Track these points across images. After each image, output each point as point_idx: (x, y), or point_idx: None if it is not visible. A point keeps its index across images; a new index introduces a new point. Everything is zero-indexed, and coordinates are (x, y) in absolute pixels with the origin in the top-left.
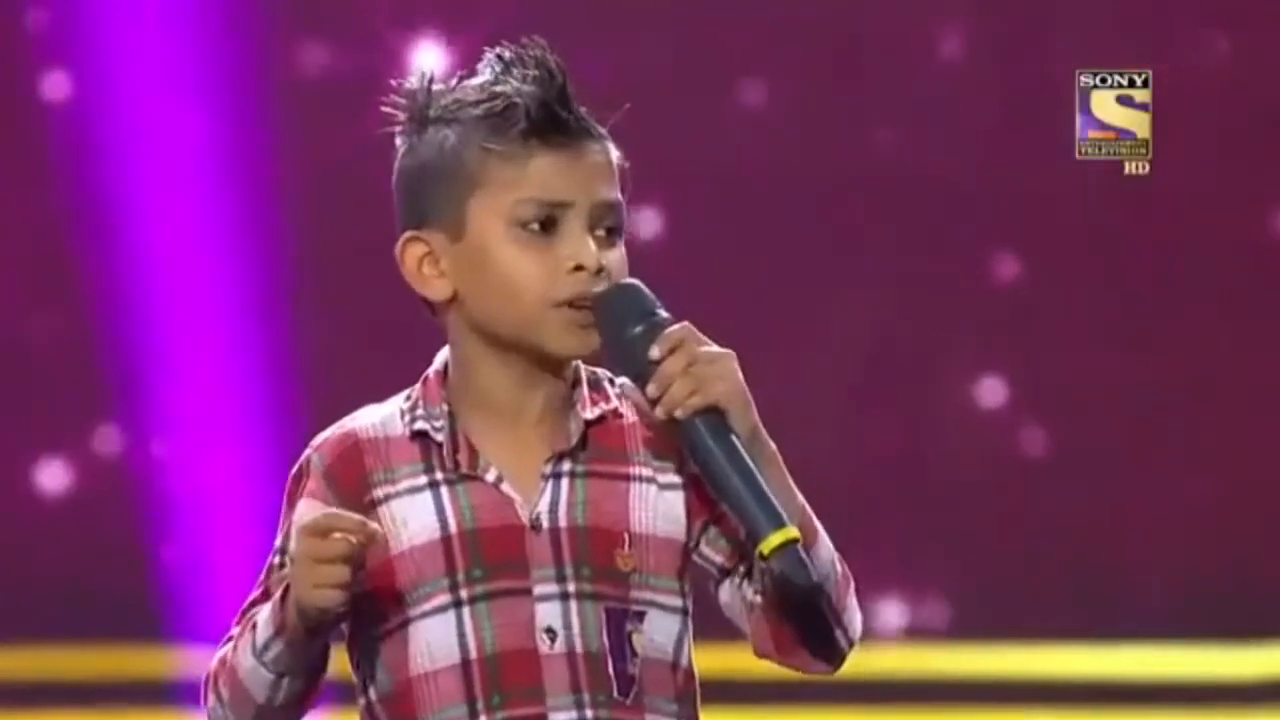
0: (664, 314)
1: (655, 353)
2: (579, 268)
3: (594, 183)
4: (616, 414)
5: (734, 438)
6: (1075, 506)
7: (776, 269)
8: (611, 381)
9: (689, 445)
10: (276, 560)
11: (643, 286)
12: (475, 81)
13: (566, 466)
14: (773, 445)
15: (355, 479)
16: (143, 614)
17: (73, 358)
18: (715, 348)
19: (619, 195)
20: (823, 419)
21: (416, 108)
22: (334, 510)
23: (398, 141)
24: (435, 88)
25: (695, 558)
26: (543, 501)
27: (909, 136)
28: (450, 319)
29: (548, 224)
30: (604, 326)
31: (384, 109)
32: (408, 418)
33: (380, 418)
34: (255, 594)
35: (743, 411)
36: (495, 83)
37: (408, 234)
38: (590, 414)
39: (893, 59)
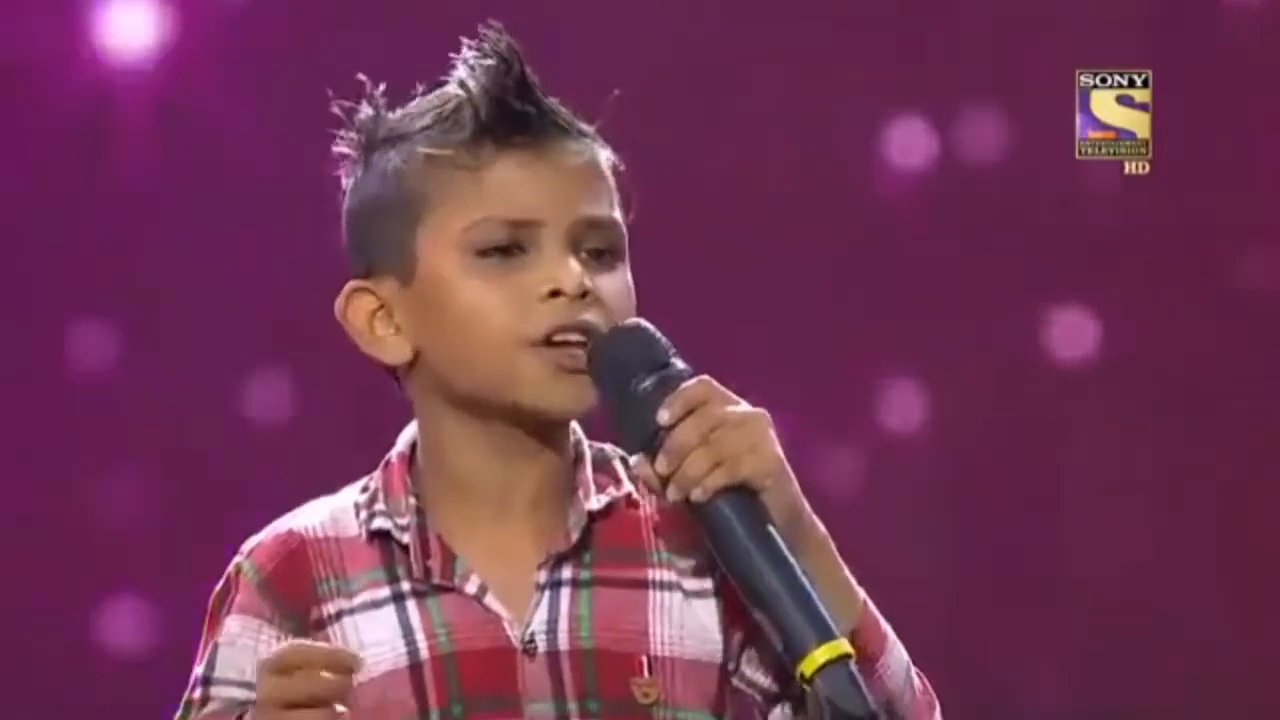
0: (679, 365)
1: (665, 416)
2: (556, 292)
3: (571, 194)
4: (630, 501)
5: (768, 525)
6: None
7: (772, 270)
8: (624, 460)
9: (710, 535)
10: (198, 695)
11: (651, 328)
12: (435, 92)
13: (567, 573)
14: (822, 529)
15: (300, 590)
16: None
17: None
18: (744, 406)
19: (607, 210)
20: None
21: (364, 135)
22: (301, 642)
23: (344, 183)
24: (388, 115)
25: (736, 681)
26: (537, 618)
27: (906, 136)
28: (414, 386)
29: (513, 249)
30: (602, 381)
31: (335, 147)
32: (364, 514)
33: (330, 514)
34: None
35: (780, 489)
36: (456, 79)
37: (351, 285)
38: (595, 503)
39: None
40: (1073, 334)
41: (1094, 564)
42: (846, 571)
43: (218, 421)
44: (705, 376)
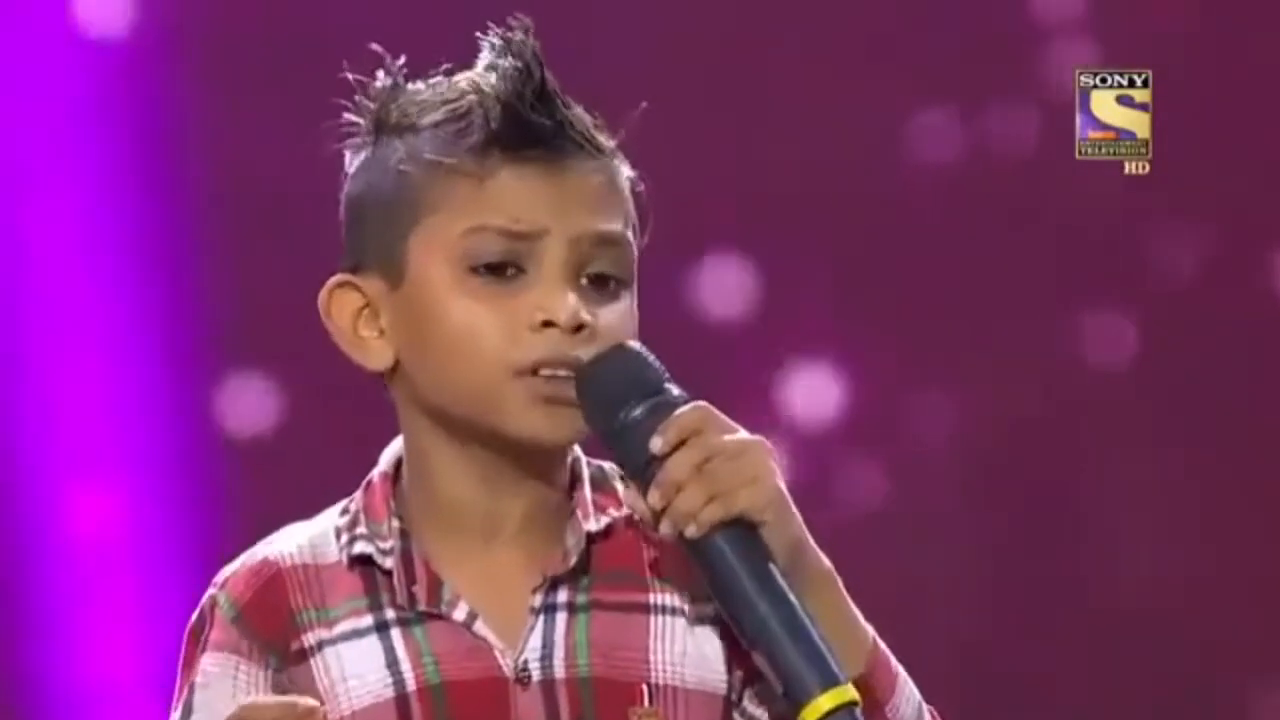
0: (675, 391)
1: (657, 445)
2: (548, 323)
3: (579, 209)
4: (630, 522)
5: (768, 562)
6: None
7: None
8: (624, 478)
9: (706, 572)
10: None
11: (645, 352)
12: (455, 78)
13: (563, 596)
14: (826, 563)
15: (277, 622)
16: None
17: None
18: (742, 434)
19: (620, 228)
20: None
21: (377, 114)
22: (254, 701)
23: (347, 160)
24: (407, 87)
25: (738, 717)
26: (531, 645)
27: (907, 135)
28: (397, 394)
29: (510, 264)
30: (592, 409)
31: (347, 117)
32: (345, 537)
33: (308, 539)
34: None
35: (781, 524)
36: (474, 77)
37: (337, 278)
38: (594, 524)
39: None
40: (1070, 335)
41: (1131, 571)
42: (855, 609)
43: (194, 430)
44: (701, 402)
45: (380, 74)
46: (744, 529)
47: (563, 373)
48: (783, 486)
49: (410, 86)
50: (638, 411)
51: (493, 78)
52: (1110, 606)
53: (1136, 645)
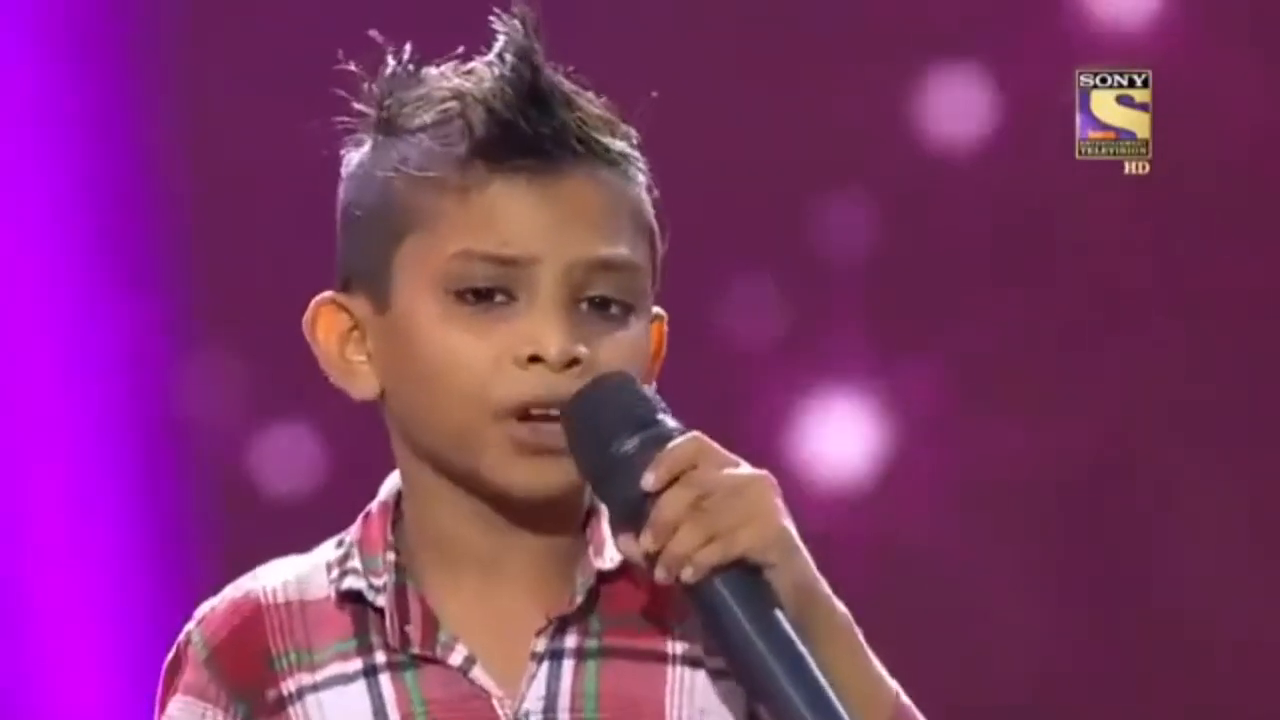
0: (670, 422)
1: (650, 481)
2: (535, 358)
3: (577, 229)
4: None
5: (774, 609)
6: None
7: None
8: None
9: (706, 620)
10: None
11: (637, 381)
12: (456, 71)
13: (571, 641)
14: (842, 609)
15: (251, 667)
16: None
17: None
18: (744, 468)
19: (624, 250)
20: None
21: (382, 99)
22: None
23: (344, 161)
24: (417, 78)
25: None
26: (533, 693)
27: (908, 136)
28: (389, 425)
29: (497, 293)
30: (579, 447)
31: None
32: (335, 572)
33: (296, 574)
34: None
35: (788, 566)
36: (469, 74)
37: (323, 297)
38: (606, 562)
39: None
40: (1067, 334)
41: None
42: (874, 660)
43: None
44: (697, 434)
45: (389, 62)
46: (747, 572)
47: (554, 412)
48: (789, 525)
49: (422, 76)
50: (629, 446)
51: (480, 79)
52: (1181, 650)
53: (1212, 683)
